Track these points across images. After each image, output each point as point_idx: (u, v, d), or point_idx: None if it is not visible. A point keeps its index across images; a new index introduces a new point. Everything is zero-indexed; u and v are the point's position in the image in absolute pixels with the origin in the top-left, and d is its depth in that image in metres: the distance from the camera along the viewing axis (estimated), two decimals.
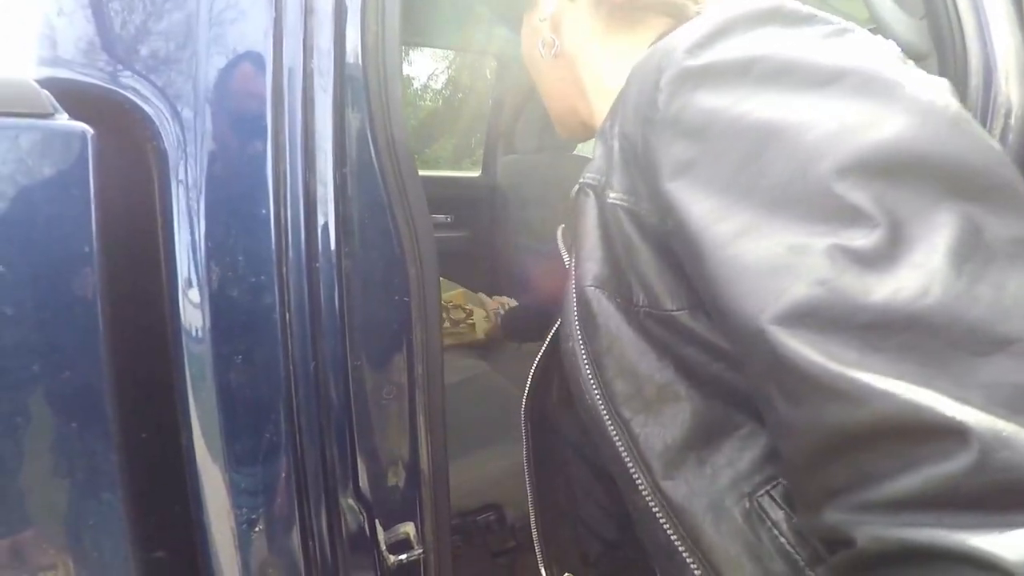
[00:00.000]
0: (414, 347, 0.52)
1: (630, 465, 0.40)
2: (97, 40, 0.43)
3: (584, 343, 0.43)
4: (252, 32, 0.44)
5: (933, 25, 0.78)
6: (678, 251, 0.36)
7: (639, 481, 0.40)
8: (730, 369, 0.38)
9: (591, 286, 0.43)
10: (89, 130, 0.38)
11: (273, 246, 0.44)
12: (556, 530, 0.61)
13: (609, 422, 0.42)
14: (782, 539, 0.35)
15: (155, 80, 0.42)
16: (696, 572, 0.38)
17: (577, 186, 0.47)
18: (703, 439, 0.39)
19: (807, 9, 0.38)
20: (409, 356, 0.52)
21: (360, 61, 0.48)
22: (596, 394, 0.43)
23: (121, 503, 0.41)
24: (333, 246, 0.47)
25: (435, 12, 1.77)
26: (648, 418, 0.40)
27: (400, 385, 0.52)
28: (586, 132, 0.62)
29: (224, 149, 0.43)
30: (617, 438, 0.41)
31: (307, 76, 0.45)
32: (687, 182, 0.34)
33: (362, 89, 0.49)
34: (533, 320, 1.08)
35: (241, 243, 0.43)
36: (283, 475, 0.45)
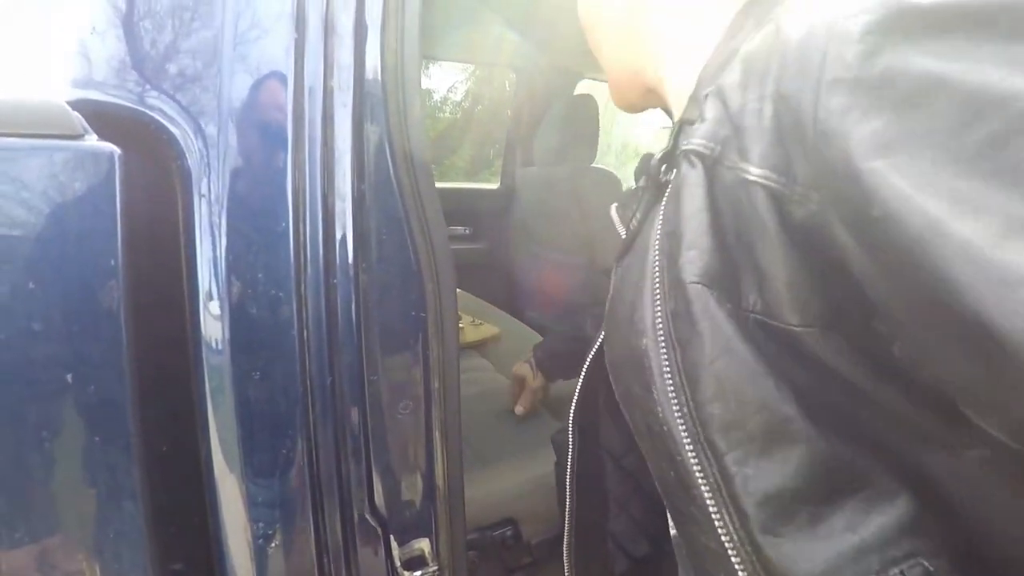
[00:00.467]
0: (430, 362, 0.52)
1: (712, 505, 0.34)
2: (128, 60, 0.44)
3: (670, 348, 0.36)
4: (274, 50, 0.45)
5: None
6: (850, 254, 0.27)
7: (721, 526, 0.34)
8: (868, 409, 0.31)
9: (696, 283, 0.34)
10: (117, 150, 0.39)
11: (292, 261, 0.45)
12: (584, 543, 0.60)
13: (691, 449, 0.35)
14: None
15: (181, 99, 0.43)
16: None
17: (661, 153, 0.40)
18: (821, 494, 0.32)
19: None
20: (425, 371, 0.52)
21: (380, 77, 0.49)
22: (677, 412, 0.35)
23: (142, 515, 0.41)
24: (351, 261, 0.48)
25: (454, 26, 1.79)
26: (750, 456, 0.32)
27: (416, 399, 0.52)
28: (648, 100, 0.53)
29: (246, 165, 0.44)
30: (699, 471, 0.34)
31: (327, 94, 0.46)
32: (904, 162, 0.25)
33: (381, 106, 0.49)
34: (568, 351, 1.02)
35: (261, 258, 0.44)
36: (299, 489, 0.46)
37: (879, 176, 0.25)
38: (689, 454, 0.34)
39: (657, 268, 0.37)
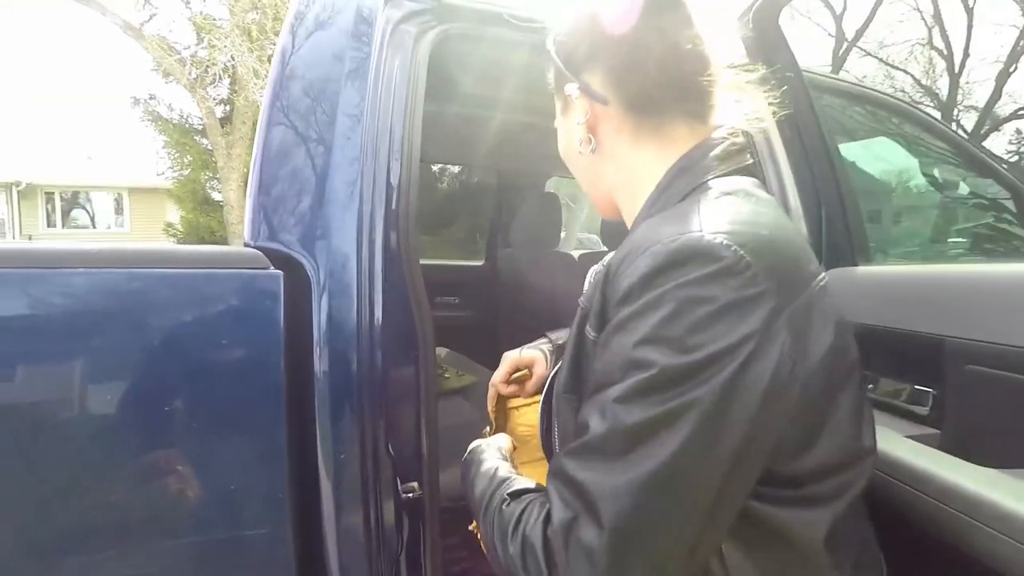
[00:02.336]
0: (420, 382, 0.93)
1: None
2: (278, 220, 0.89)
3: (554, 418, 0.66)
4: (346, 216, 0.90)
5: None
6: None
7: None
8: None
9: (565, 392, 0.61)
10: (281, 274, 0.83)
11: (356, 335, 0.87)
12: None
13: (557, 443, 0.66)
14: None
15: (308, 247, 0.87)
16: None
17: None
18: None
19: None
20: (417, 388, 0.93)
21: (396, 235, 0.93)
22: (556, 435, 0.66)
23: (286, 478, 0.82)
24: (380, 325, 0.90)
25: (450, 137, 2.26)
26: (567, 440, 0.59)
27: (415, 405, 0.94)
28: (621, 216, 0.68)
29: (334, 286, 0.87)
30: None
31: (372, 243, 0.90)
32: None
33: (397, 248, 0.93)
34: None
35: (339, 331, 0.87)
36: (356, 444, 0.86)
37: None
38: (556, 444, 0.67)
39: (560, 372, 0.64)
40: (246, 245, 0.92)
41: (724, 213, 0.52)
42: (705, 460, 0.47)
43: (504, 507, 0.58)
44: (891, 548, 0.62)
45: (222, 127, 10.06)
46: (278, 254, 0.87)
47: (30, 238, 17.10)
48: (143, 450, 0.77)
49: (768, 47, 1.10)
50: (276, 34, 9.30)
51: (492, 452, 0.71)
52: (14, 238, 17.00)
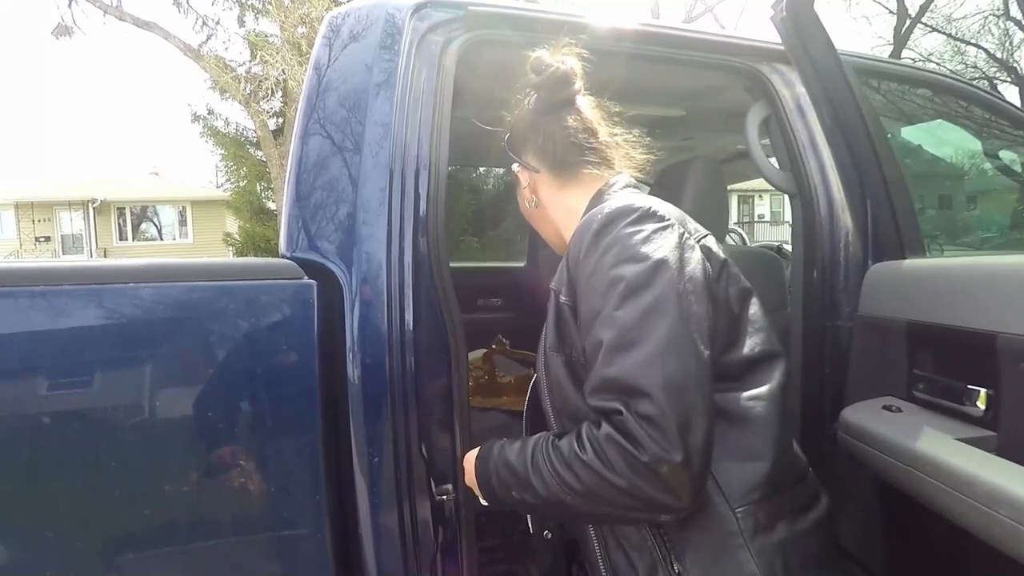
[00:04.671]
0: (453, 386, 0.95)
1: (554, 423, 0.81)
2: (314, 231, 0.92)
3: (544, 376, 0.81)
4: (378, 233, 0.92)
5: (795, 175, 1.20)
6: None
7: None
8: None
9: (551, 351, 0.79)
10: (315, 283, 0.86)
11: (386, 341, 0.89)
12: None
13: (555, 424, 0.81)
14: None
15: (340, 256, 0.90)
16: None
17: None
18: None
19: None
20: (449, 391, 0.94)
21: (426, 244, 0.95)
22: (549, 407, 0.81)
23: (323, 471, 0.85)
24: (412, 332, 0.91)
25: (486, 141, 2.29)
26: (563, 418, 0.80)
27: (446, 407, 0.95)
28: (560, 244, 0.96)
29: (365, 293, 0.90)
30: (558, 432, 0.78)
31: (403, 255, 0.92)
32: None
33: (426, 259, 0.95)
34: None
35: (371, 337, 0.89)
36: (390, 447, 0.88)
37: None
38: (553, 421, 0.81)
39: (541, 343, 0.83)
40: (282, 256, 0.95)
41: (629, 197, 0.81)
42: (688, 323, 0.67)
43: (552, 446, 0.72)
44: (942, 553, 0.59)
45: (275, 139, 10.45)
46: (312, 264, 0.90)
47: (105, 252, 18.25)
48: (187, 453, 0.82)
49: (803, 34, 1.06)
50: None
51: (504, 441, 0.82)
52: (91, 251, 18.18)
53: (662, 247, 0.71)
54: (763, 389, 0.76)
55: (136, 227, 19.86)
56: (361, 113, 0.99)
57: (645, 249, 0.70)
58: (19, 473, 0.75)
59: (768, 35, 1.28)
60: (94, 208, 18.32)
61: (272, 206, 11.55)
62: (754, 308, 0.80)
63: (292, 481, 0.85)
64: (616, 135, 0.92)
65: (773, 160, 1.27)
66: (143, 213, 19.95)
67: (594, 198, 0.86)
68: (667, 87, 1.63)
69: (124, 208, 19.28)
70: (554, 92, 0.90)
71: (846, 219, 1.14)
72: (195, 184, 20.91)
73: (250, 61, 10.59)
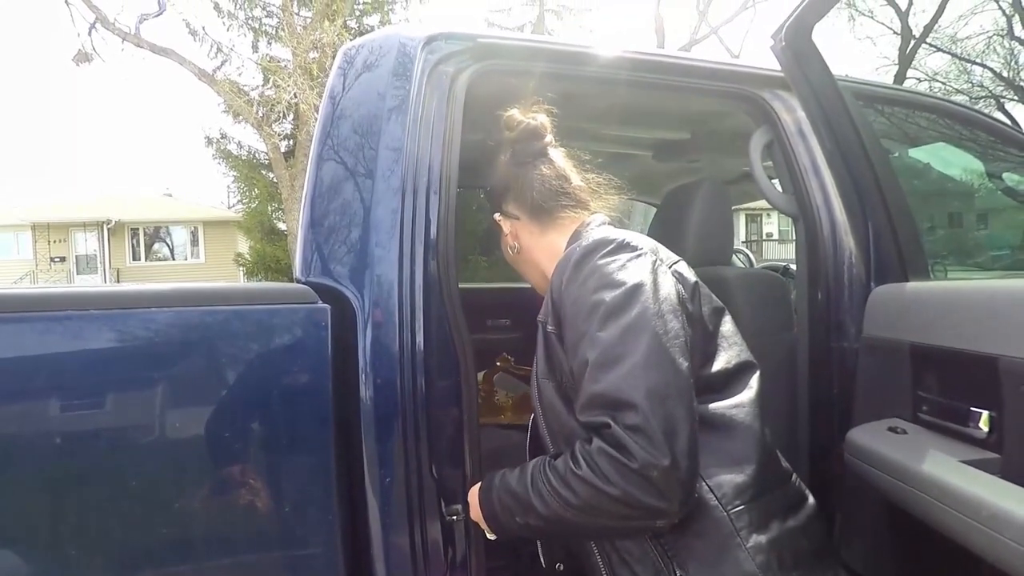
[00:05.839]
0: (463, 407, 0.96)
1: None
2: (328, 257, 0.95)
3: (538, 403, 0.86)
4: (390, 256, 0.95)
5: (798, 198, 1.22)
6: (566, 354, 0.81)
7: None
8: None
9: (542, 378, 0.85)
10: (329, 307, 0.89)
11: (398, 363, 0.91)
12: None
13: (551, 446, 0.85)
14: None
15: (352, 279, 0.93)
16: None
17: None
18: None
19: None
20: (459, 412, 0.96)
21: (436, 266, 0.97)
22: (545, 431, 0.86)
23: (335, 487, 0.87)
24: (422, 353, 0.93)
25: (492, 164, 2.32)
26: (559, 440, 0.84)
27: (456, 428, 0.96)
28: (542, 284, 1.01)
29: (377, 316, 0.92)
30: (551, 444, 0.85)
31: (415, 278, 0.95)
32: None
33: (436, 282, 0.97)
34: None
35: (383, 359, 0.91)
36: (401, 466, 0.90)
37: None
38: (550, 444, 0.86)
39: (534, 371, 0.87)
40: (296, 280, 0.98)
41: (604, 232, 0.87)
42: (665, 338, 0.73)
43: (549, 466, 0.76)
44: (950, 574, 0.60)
45: (286, 160, 10.62)
46: (326, 288, 0.92)
47: (118, 272, 18.47)
48: (204, 473, 0.84)
49: (801, 62, 1.09)
50: None
51: (504, 470, 0.85)
52: (105, 271, 18.42)
53: (636, 273, 0.77)
54: (743, 397, 0.82)
55: (149, 247, 20.11)
56: (374, 139, 1.02)
57: (621, 276, 0.77)
58: (39, 491, 0.78)
59: (770, 60, 1.31)
60: (108, 229, 18.60)
61: (283, 226, 11.70)
62: (727, 324, 0.87)
63: (306, 501, 0.87)
64: (589, 179, 1.01)
65: (776, 183, 1.29)
66: (156, 234, 20.22)
67: (572, 237, 0.93)
68: (672, 112, 1.66)
69: (138, 229, 19.55)
70: (527, 145, 0.98)
71: (849, 241, 1.16)
72: (207, 205, 21.20)
73: (263, 85, 10.82)
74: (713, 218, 1.45)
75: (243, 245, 14.24)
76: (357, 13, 12.09)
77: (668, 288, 0.78)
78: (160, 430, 0.81)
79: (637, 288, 0.75)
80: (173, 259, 20.02)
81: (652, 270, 0.79)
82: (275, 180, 11.24)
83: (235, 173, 12.58)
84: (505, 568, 1.22)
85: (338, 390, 0.88)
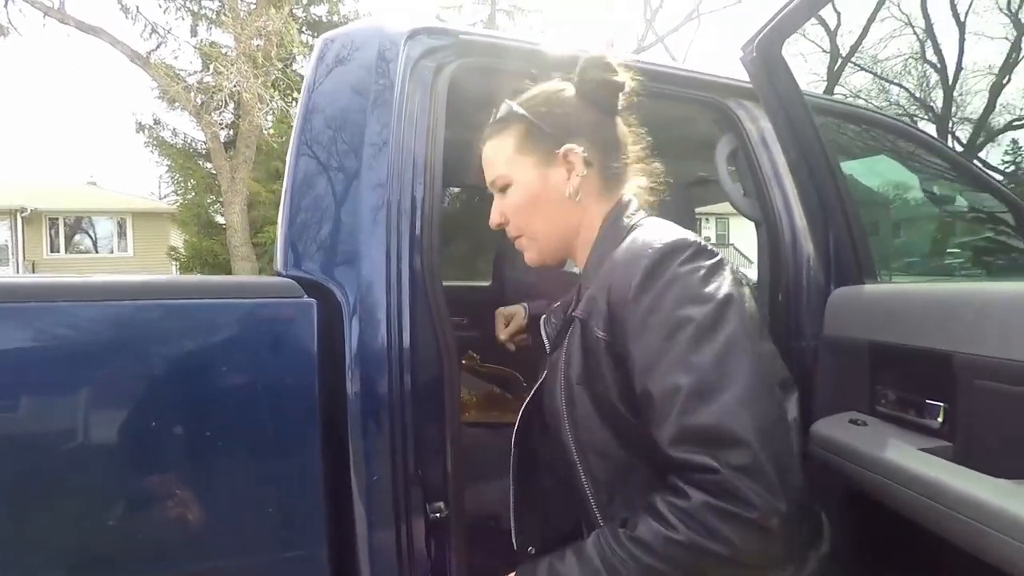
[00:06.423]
0: (446, 403, 0.96)
1: (585, 481, 0.76)
2: (313, 251, 0.93)
3: (567, 409, 0.76)
4: (375, 252, 0.93)
5: (761, 203, 1.28)
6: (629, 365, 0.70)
7: (588, 489, 0.76)
8: (631, 433, 0.71)
9: (578, 384, 0.75)
10: (314, 302, 0.87)
11: (385, 354, 0.90)
12: (527, 519, 0.93)
13: (577, 457, 0.76)
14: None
15: (337, 274, 0.91)
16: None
17: (564, 314, 0.85)
18: (623, 471, 0.74)
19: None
20: (441, 409, 0.96)
21: (420, 262, 0.96)
22: (571, 440, 0.76)
23: (321, 486, 0.85)
24: (408, 346, 0.92)
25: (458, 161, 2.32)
26: (589, 455, 0.75)
27: (439, 424, 0.96)
28: (558, 262, 0.91)
29: (363, 311, 0.91)
30: (581, 466, 0.76)
31: (401, 273, 0.94)
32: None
33: (421, 276, 0.97)
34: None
35: (369, 355, 0.90)
36: (387, 463, 0.89)
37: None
38: (576, 460, 0.76)
39: (561, 373, 0.78)
40: (278, 274, 0.95)
41: (669, 228, 0.76)
42: (760, 362, 0.66)
43: (627, 540, 0.64)
44: (907, 552, 0.65)
45: (226, 151, 10.18)
46: (310, 282, 0.90)
47: (33, 264, 17.19)
48: (186, 471, 0.80)
49: (771, 74, 1.15)
50: (281, 60, 9.47)
51: (547, 560, 0.73)
52: (18, 264, 17.09)
53: (722, 285, 0.68)
54: (793, 418, 0.78)
55: (70, 239, 18.81)
56: (356, 133, 1.00)
57: (709, 289, 0.68)
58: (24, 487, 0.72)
59: (725, 70, 1.37)
60: (23, 218, 17.28)
61: (221, 220, 11.21)
62: (767, 335, 0.80)
63: (292, 499, 0.85)
64: (639, 155, 0.90)
65: (739, 187, 1.35)
66: (77, 224, 18.93)
67: (611, 215, 0.83)
68: (645, 116, 1.71)
69: (57, 218, 18.25)
70: (612, 96, 0.86)
71: (808, 246, 1.23)
72: (136, 195, 20.03)
73: (201, 71, 10.33)
74: (680, 220, 1.50)
75: (177, 239, 13.56)
76: (304, 2, 11.74)
77: (750, 302, 0.72)
78: (139, 426, 0.77)
79: (727, 304, 0.67)
80: (97, 251, 18.81)
81: (735, 281, 0.70)
82: (213, 171, 10.77)
83: (169, 162, 11.96)
84: (485, 565, 1.22)
85: (324, 386, 0.86)
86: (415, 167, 1.00)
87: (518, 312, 1.66)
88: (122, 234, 18.73)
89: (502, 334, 1.64)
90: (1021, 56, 13.08)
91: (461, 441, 0.99)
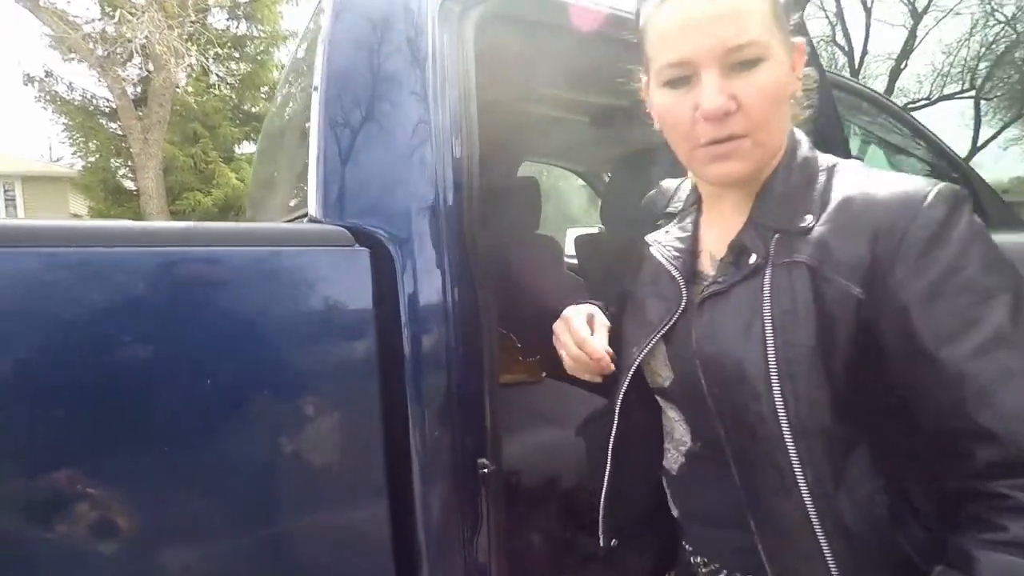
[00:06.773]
0: (485, 358, 0.95)
1: (796, 466, 0.59)
2: (354, 201, 0.88)
3: (781, 380, 0.59)
4: (424, 201, 0.90)
5: None
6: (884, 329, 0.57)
7: (797, 475, 0.59)
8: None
9: (807, 347, 0.59)
10: (367, 251, 0.82)
11: (441, 309, 0.88)
12: (616, 504, 0.80)
13: (792, 436, 0.59)
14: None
15: (392, 226, 0.87)
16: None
17: (776, 259, 0.62)
18: (842, 452, 0.61)
19: None
20: (482, 364, 0.94)
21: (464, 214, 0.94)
22: (783, 416, 0.59)
23: (381, 442, 0.82)
24: (458, 308, 0.90)
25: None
26: (815, 438, 0.60)
27: (482, 380, 0.95)
28: (757, 174, 0.66)
29: (413, 264, 0.87)
30: (794, 448, 0.59)
31: (448, 222, 0.91)
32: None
33: (466, 219, 0.94)
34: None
35: (426, 314, 0.87)
36: (443, 423, 0.87)
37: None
38: (785, 434, 0.59)
39: (769, 329, 0.60)
40: (312, 220, 0.89)
41: (853, 164, 0.66)
42: None
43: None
44: None
45: (136, 109, 9.34)
46: (358, 231, 0.85)
47: None
48: (252, 429, 0.75)
49: None
50: (197, 10, 8.71)
51: None
52: None
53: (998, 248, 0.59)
54: None
55: None
56: (395, 82, 0.95)
57: (998, 251, 0.58)
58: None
59: None
60: None
61: (132, 185, 10.32)
62: None
63: (356, 457, 0.81)
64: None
65: None
66: None
67: (790, 145, 0.68)
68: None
69: None
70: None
71: None
72: (26, 157, 18.08)
73: (101, 18, 9.34)
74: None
75: (78, 205, 12.39)
76: None
77: None
78: (193, 377, 0.71)
79: (1018, 267, 0.57)
80: None
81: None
82: (120, 131, 9.86)
83: (66, 121, 10.78)
84: (524, 516, 1.23)
85: (380, 340, 0.83)
86: (453, 114, 0.96)
87: (597, 311, 0.85)
88: (10, 200, 16.88)
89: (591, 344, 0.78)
90: (916, 44, 14.22)
91: (499, 395, 0.98)
